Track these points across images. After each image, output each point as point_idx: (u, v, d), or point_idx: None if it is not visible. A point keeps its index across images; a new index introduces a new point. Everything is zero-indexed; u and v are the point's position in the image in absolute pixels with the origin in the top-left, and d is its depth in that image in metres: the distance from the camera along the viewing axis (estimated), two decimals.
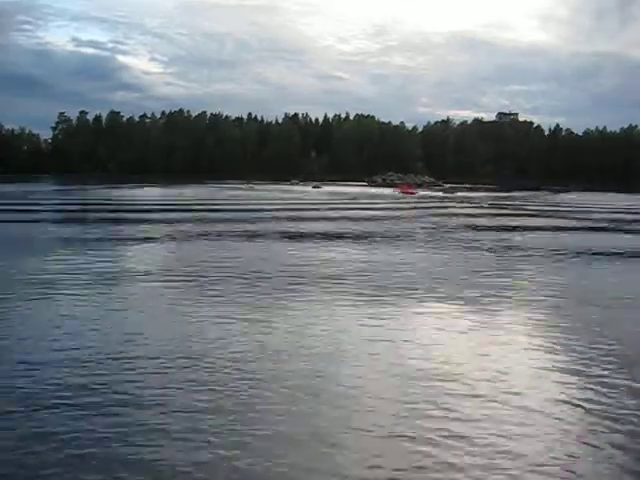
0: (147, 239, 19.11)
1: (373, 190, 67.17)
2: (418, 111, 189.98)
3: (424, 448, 5.10)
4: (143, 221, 25.53)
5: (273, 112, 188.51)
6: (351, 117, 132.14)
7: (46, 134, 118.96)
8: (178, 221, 25.66)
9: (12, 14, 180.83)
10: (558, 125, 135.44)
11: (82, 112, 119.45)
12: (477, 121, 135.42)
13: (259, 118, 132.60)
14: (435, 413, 5.76)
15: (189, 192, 53.16)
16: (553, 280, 12.82)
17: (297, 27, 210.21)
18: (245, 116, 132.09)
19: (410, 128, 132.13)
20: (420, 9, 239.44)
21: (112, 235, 20.21)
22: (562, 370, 7.12)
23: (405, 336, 8.25)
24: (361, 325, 8.81)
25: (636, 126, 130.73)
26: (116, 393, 6.07)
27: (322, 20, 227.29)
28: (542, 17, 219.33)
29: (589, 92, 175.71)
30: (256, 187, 65.98)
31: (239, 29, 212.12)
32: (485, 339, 8.33)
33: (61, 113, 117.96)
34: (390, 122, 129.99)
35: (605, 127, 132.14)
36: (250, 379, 6.54)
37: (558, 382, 6.71)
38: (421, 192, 62.68)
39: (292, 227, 23.74)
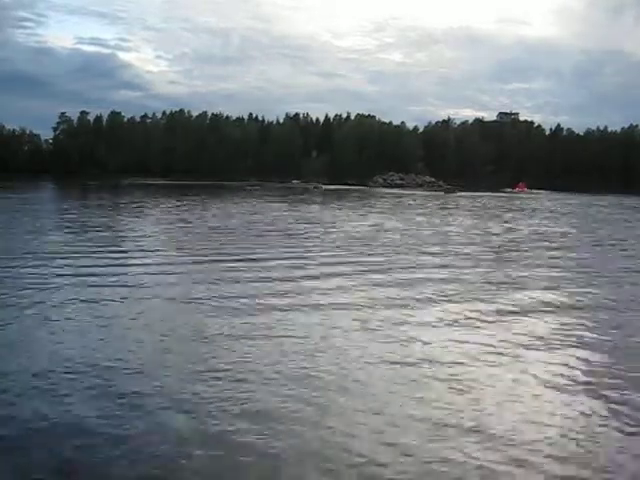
0: None
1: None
2: (418, 109, 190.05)
3: None
4: None
5: (275, 110, 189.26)
6: (352, 117, 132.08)
7: (47, 134, 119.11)
8: None
9: (11, 10, 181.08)
10: (559, 125, 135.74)
11: (83, 112, 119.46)
12: (478, 121, 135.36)
13: (260, 118, 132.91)
14: None
15: None
16: None
17: (294, 24, 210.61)
18: (246, 116, 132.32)
19: (411, 128, 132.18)
20: (418, 4, 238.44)
21: None
22: None
23: None
24: None
25: (637, 126, 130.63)
26: None
27: (317, 16, 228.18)
28: (556, 12, 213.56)
29: (593, 90, 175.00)
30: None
31: (241, 25, 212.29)
32: None
33: (62, 113, 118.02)
34: (391, 122, 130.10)
35: (606, 127, 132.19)
36: None
37: None
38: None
39: None
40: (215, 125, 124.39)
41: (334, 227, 26.73)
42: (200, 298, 11.25)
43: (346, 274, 14.21)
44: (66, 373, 7.18)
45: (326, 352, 8.20)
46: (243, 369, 7.43)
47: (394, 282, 13.28)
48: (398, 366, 7.70)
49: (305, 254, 17.68)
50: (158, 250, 18.49)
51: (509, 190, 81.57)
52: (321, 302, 11.05)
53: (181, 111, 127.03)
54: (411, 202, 51.05)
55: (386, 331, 9.28)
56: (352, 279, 13.60)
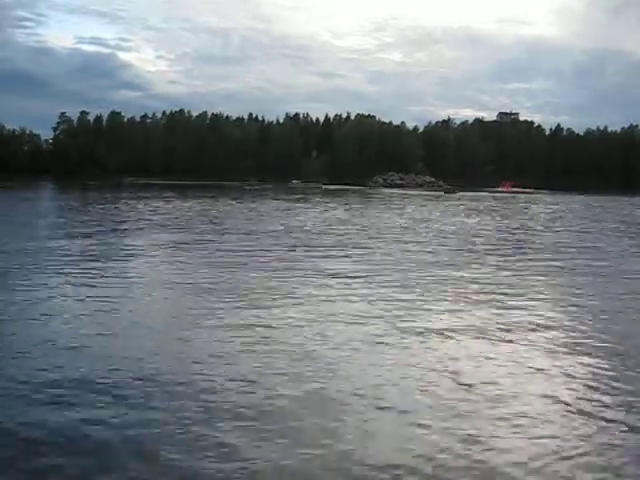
0: None
1: None
2: (418, 109, 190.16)
3: None
4: None
5: (275, 110, 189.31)
6: (352, 117, 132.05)
7: (47, 134, 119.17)
8: None
9: (11, 10, 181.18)
10: (559, 125, 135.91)
11: (83, 112, 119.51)
12: (478, 121, 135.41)
13: (260, 118, 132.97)
14: None
15: None
16: None
17: (294, 24, 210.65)
18: (246, 116, 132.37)
19: (411, 128, 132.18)
20: (418, 4, 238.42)
21: None
22: None
23: None
24: None
25: (637, 126, 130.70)
26: None
27: (317, 16, 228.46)
28: (556, 12, 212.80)
29: (593, 90, 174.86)
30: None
31: (241, 25, 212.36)
32: None
33: (62, 113, 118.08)
34: (391, 122, 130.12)
35: (606, 127, 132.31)
36: None
37: None
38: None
39: None
40: (215, 125, 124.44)
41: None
42: None
43: None
44: None
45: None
46: None
47: None
48: None
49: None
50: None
51: (499, 189, 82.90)
52: None
53: (181, 111, 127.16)
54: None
55: None
56: None
